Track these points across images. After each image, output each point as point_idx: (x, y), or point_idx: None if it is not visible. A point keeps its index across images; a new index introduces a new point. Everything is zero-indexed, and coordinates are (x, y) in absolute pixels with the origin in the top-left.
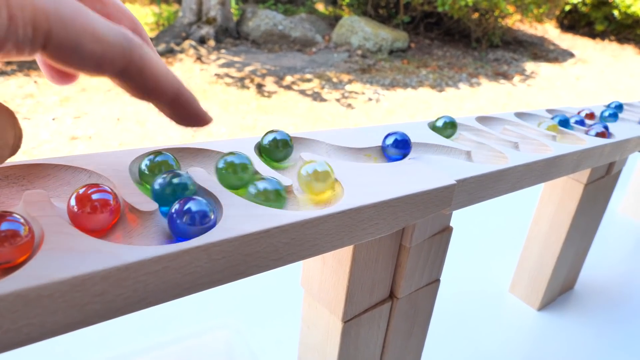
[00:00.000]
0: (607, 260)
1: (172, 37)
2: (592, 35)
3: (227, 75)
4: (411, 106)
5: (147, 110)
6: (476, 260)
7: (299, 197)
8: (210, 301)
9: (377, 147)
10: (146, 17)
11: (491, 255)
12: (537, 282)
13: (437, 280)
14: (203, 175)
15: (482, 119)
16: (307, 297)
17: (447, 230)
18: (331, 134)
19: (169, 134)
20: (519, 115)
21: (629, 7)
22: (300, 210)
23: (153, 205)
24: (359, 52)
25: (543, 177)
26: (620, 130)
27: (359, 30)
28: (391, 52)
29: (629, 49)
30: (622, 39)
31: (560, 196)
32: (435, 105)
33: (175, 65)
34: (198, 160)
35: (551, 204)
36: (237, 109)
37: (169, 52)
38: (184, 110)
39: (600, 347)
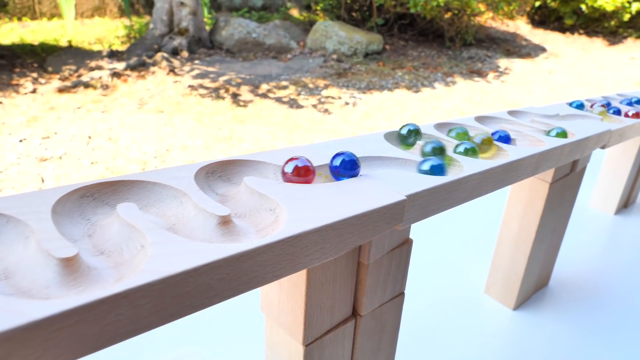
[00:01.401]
0: (581, 255)
1: (143, 50)
2: (562, 29)
3: (202, 86)
4: (388, 108)
5: (120, 127)
6: (451, 265)
7: (240, 227)
8: (173, 329)
9: (326, 164)
10: (117, 30)
11: (465, 258)
12: (510, 282)
13: (402, 294)
14: (133, 210)
15: (441, 125)
16: (268, 322)
17: (406, 244)
18: (279, 154)
19: (143, 149)
20: (480, 119)
21: (595, 1)
22: (242, 240)
23: (72, 251)
24: (334, 56)
25: (501, 183)
26: (580, 128)
27: (333, 34)
28: (366, 55)
29: (597, 42)
30: (590, 32)
31: (527, 196)
32: (411, 106)
33: (148, 79)
34: (133, 193)
35: (519, 204)
36: (213, 120)
37: (141, 65)
38: None
39: (576, 342)
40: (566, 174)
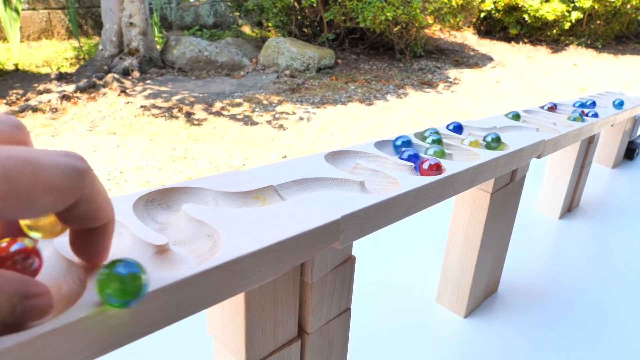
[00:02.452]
0: (528, 260)
1: (93, 71)
2: (508, 39)
3: (154, 106)
4: (342, 122)
5: (71, 150)
6: (403, 276)
7: (179, 254)
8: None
9: (267, 187)
10: (65, 52)
11: (417, 269)
12: (460, 290)
13: (348, 310)
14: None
15: (380, 144)
16: (215, 344)
17: (349, 260)
18: (218, 180)
19: (96, 172)
20: (419, 135)
21: (537, 10)
22: (180, 267)
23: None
24: (287, 72)
25: (440, 197)
26: (515, 140)
27: (285, 50)
28: (319, 70)
29: (541, 50)
30: (534, 41)
31: (470, 206)
32: (365, 119)
33: (99, 100)
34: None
35: (463, 214)
36: (167, 140)
37: (91, 87)
38: (98, 243)
39: (526, 347)
40: (506, 183)
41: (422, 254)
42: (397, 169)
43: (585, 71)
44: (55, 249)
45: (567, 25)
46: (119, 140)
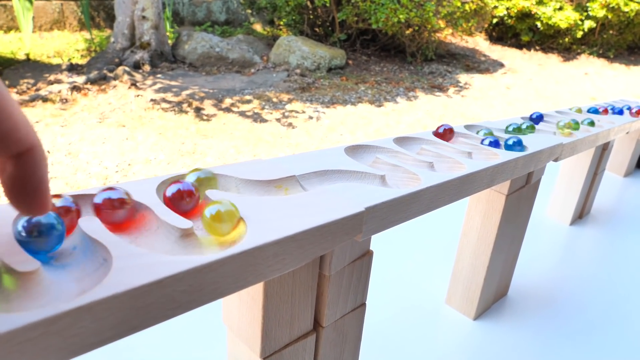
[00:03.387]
0: (538, 264)
1: (104, 64)
2: (519, 45)
3: (164, 100)
4: (351, 122)
5: (80, 141)
6: (413, 276)
7: (203, 239)
8: (136, 340)
9: (289, 177)
10: (77, 43)
11: (427, 269)
12: (470, 292)
13: (363, 305)
14: (96, 225)
15: (399, 140)
16: (230, 334)
17: (367, 255)
18: (241, 168)
19: (104, 164)
20: (439, 134)
21: (549, 18)
22: (204, 252)
23: (35, 264)
24: (298, 71)
25: (458, 195)
26: (534, 142)
27: (297, 49)
28: (329, 70)
29: (553, 58)
30: (546, 49)
31: (484, 208)
32: (374, 120)
33: (109, 93)
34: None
35: (477, 215)
36: (176, 134)
37: (102, 79)
38: (30, 176)
39: (535, 351)
40: (522, 186)
41: (434, 254)
42: (417, 165)
43: (596, 80)
44: (79, 229)
45: (579, 34)
46: (128, 132)
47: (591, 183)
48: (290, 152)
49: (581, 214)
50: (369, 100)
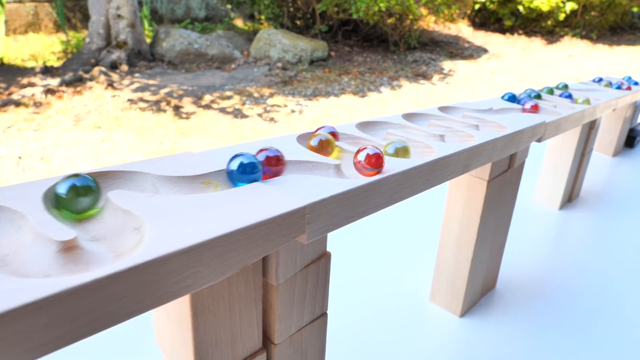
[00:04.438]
0: (527, 253)
1: (80, 65)
2: (502, 30)
3: (142, 99)
4: (335, 114)
5: (53, 145)
6: (393, 274)
7: (92, 252)
8: None
9: (219, 171)
10: (53, 45)
11: (407, 265)
12: (455, 287)
13: (324, 315)
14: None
15: (363, 125)
16: (165, 357)
17: (324, 257)
18: (161, 163)
19: (79, 167)
20: (408, 116)
21: (531, 2)
22: (90, 268)
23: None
24: (279, 64)
25: (428, 183)
26: (513, 121)
27: (277, 42)
28: (312, 62)
29: (536, 41)
30: (529, 32)
31: (465, 196)
32: (358, 111)
33: (85, 94)
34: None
35: (457, 204)
36: (154, 134)
37: (77, 81)
38: None
39: (526, 345)
40: (504, 170)
41: (413, 248)
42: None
43: (580, 62)
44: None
45: (561, 17)
46: (104, 134)
47: (579, 164)
48: None
49: (570, 197)
50: (353, 91)
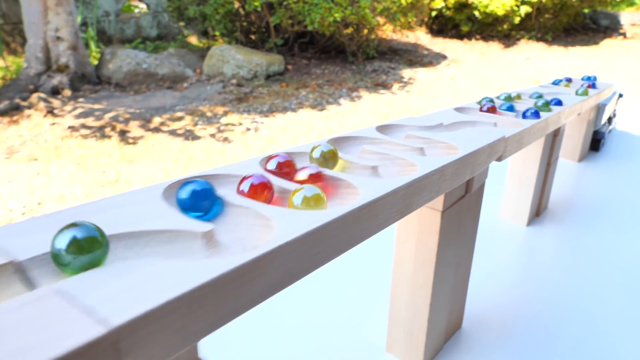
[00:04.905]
0: (495, 281)
1: (17, 92)
2: (460, 36)
3: (84, 126)
4: (292, 130)
5: (15, 173)
6: (346, 320)
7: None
8: None
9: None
10: None
11: (361, 311)
12: (414, 336)
13: None
14: None
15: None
16: None
17: None
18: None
19: (9, 205)
20: (337, 141)
21: (486, 6)
22: None
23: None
24: (234, 81)
25: (344, 246)
26: (467, 140)
27: (230, 58)
28: (268, 77)
29: (494, 45)
30: (486, 37)
31: (416, 230)
32: (317, 125)
33: (21, 124)
34: None
35: (409, 241)
36: (97, 163)
37: (13, 109)
38: None
39: None
40: (461, 196)
41: (368, 290)
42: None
43: (538, 64)
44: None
45: (517, 20)
46: (40, 166)
47: (545, 175)
48: None
49: (538, 211)
50: (311, 105)
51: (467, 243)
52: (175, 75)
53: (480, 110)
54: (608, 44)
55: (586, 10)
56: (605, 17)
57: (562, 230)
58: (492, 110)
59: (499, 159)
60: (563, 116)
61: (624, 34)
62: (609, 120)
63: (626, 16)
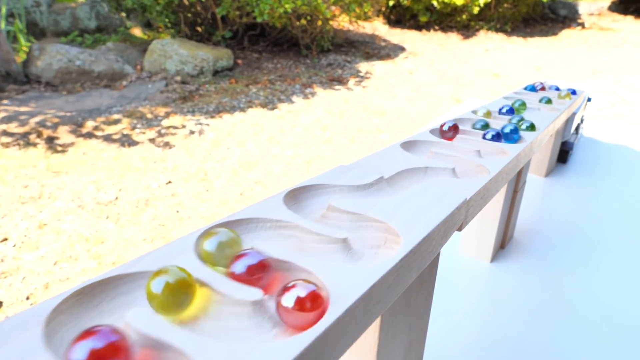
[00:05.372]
0: (453, 340)
1: None
2: (418, 27)
3: (6, 132)
4: (240, 132)
5: None
6: None
7: None
8: None
9: None
10: None
11: None
12: None
13: None
14: None
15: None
16: None
17: None
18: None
19: None
20: (230, 224)
21: None
22: None
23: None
24: (178, 78)
25: None
26: (412, 211)
27: (173, 53)
28: (216, 73)
29: (452, 36)
30: (445, 28)
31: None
32: (267, 126)
33: None
34: None
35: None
36: (18, 176)
37: None
38: None
39: None
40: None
41: None
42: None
43: (498, 56)
44: None
45: (476, 10)
46: None
47: (511, 204)
48: (165, 179)
49: (503, 244)
50: (261, 104)
51: (419, 325)
52: (114, 72)
53: (441, 131)
54: (567, 35)
55: (545, 0)
56: (564, 7)
57: (529, 264)
58: (455, 131)
59: (460, 229)
60: (535, 145)
61: (582, 24)
62: (577, 128)
63: (584, 6)
